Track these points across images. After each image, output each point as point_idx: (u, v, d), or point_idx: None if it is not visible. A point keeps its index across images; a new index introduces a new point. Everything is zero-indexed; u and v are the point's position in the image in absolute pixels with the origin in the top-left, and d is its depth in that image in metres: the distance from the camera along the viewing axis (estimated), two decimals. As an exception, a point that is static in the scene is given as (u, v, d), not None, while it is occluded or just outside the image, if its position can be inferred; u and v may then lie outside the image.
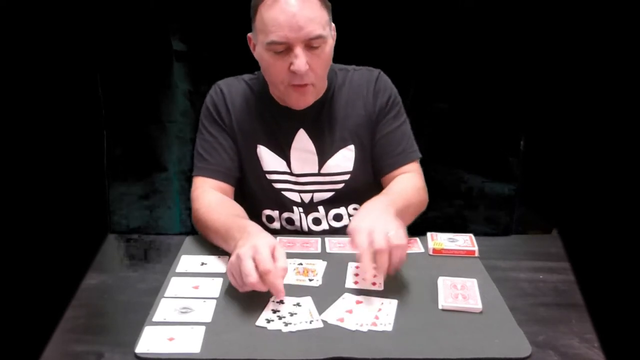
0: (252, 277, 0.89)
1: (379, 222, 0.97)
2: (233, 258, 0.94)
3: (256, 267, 0.89)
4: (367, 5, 1.23)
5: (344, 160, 1.27)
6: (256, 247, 0.91)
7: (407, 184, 1.24)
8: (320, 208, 1.28)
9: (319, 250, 1.14)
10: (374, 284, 1.00)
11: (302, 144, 1.26)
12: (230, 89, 1.29)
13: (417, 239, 1.18)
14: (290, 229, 1.30)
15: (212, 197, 1.20)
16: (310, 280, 1.02)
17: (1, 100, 1.24)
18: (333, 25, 1.19)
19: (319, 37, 1.11)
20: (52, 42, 1.46)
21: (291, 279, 1.01)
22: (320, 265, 1.07)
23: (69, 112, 1.52)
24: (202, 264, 1.08)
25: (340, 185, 1.27)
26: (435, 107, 1.34)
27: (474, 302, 0.93)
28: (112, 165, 1.75)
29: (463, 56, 1.74)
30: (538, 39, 1.66)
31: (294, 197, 1.28)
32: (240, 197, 1.28)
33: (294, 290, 0.97)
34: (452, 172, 1.86)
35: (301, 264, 1.07)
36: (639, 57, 1.35)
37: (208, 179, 1.24)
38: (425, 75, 1.76)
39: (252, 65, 1.30)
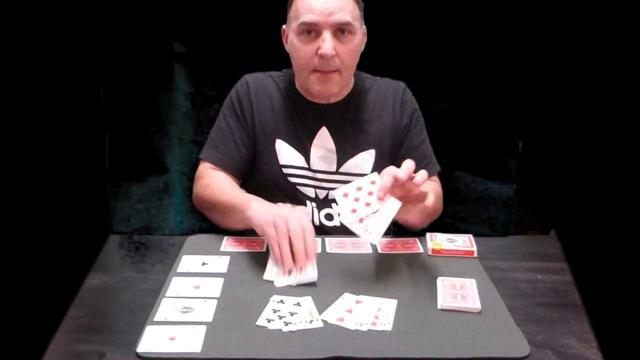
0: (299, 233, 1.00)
1: None
2: (274, 213, 1.03)
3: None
4: (366, 7, 1.24)
5: (363, 162, 1.29)
6: (300, 217, 1.02)
7: (432, 189, 1.25)
8: (334, 205, 1.29)
9: (319, 251, 1.14)
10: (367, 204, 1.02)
11: (323, 141, 1.28)
12: (256, 83, 1.32)
13: (417, 239, 1.19)
14: None
15: (218, 176, 1.27)
16: None
17: (3, 100, 1.25)
18: (364, 28, 1.22)
19: (348, 23, 1.16)
20: (53, 43, 1.47)
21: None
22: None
23: (70, 113, 1.52)
24: (203, 264, 1.08)
25: None
26: (435, 108, 1.35)
27: (473, 302, 0.94)
28: (113, 166, 1.75)
29: (463, 58, 1.75)
30: (537, 40, 1.67)
31: (309, 192, 1.30)
32: (254, 189, 1.29)
33: (294, 291, 0.98)
34: (451, 172, 1.86)
35: None
36: (637, 58, 1.36)
37: (213, 165, 1.29)
38: (425, 76, 1.77)
39: (253, 67, 1.31)
